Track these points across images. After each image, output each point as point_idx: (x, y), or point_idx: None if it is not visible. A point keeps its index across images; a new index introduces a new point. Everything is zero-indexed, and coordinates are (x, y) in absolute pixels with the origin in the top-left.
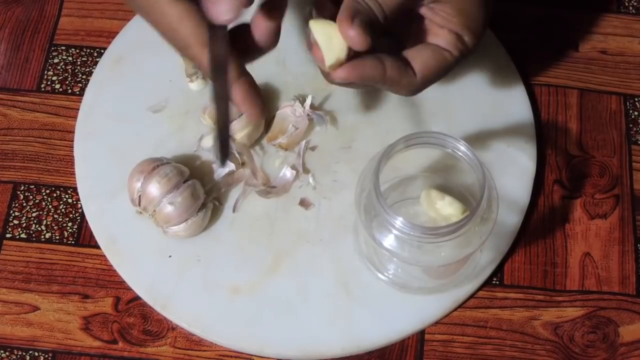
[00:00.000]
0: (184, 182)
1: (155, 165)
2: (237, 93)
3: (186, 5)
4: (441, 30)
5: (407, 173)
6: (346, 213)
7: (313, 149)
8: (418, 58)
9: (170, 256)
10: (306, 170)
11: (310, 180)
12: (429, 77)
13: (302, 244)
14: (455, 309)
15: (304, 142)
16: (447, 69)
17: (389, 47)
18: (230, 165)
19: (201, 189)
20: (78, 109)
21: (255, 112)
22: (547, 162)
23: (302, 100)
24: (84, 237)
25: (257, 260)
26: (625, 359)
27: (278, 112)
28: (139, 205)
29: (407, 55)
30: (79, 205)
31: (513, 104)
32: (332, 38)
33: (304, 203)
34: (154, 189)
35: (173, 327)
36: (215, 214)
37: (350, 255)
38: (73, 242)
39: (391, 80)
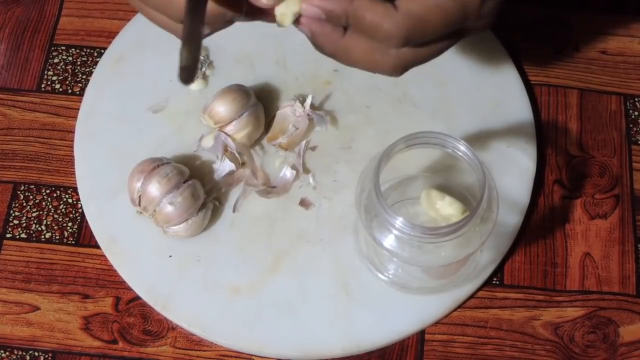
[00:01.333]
0: (184, 182)
1: (155, 165)
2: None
3: None
4: None
5: (407, 173)
6: (346, 213)
7: (313, 149)
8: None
9: (170, 256)
10: (306, 170)
11: (311, 180)
12: (414, 17)
13: (302, 244)
14: (455, 309)
15: (304, 142)
16: (440, 13)
17: None
18: (230, 165)
19: (201, 189)
20: (78, 109)
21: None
22: (547, 162)
23: (302, 100)
24: (84, 237)
25: (257, 260)
26: (626, 359)
27: (278, 112)
28: (139, 205)
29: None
30: (79, 205)
31: (513, 104)
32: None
33: (304, 203)
34: (154, 189)
35: (173, 327)
36: (215, 214)
37: (350, 255)
38: (73, 242)
39: (358, 12)
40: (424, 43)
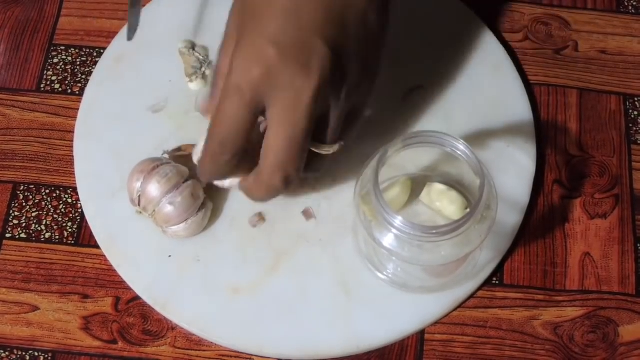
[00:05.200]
0: (184, 182)
1: (155, 165)
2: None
3: None
4: None
5: (406, 172)
6: (346, 213)
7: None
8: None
9: (170, 256)
10: None
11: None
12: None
13: (302, 244)
14: (455, 309)
15: None
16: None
17: None
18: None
19: (201, 189)
20: (78, 109)
21: None
22: (547, 161)
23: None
24: (83, 237)
25: (257, 260)
26: (625, 359)
27: None
28: (139, 205)
29: None
30: (79, 205)
31: (513, 104)
32: None
33: (306, 213)
34: (154, 189)
35: (173, 327)
36: (215, 214)
37: (350, 255)
38: (73, 242)
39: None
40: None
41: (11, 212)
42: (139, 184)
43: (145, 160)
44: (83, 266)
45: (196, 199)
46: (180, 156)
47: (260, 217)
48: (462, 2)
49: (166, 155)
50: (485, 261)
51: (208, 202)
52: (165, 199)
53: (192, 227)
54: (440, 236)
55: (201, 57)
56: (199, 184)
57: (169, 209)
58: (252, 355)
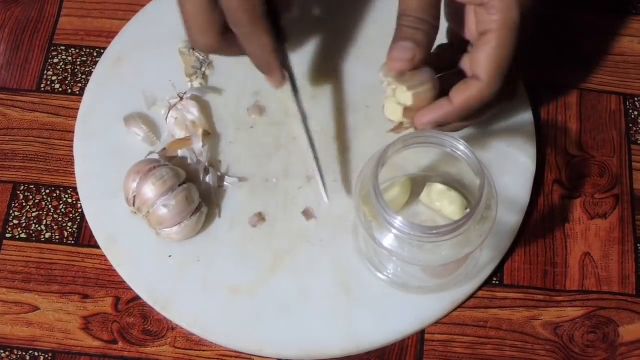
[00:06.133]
0: (180, 185)
1: (152, 166)
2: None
3: None
4: (472, 14)
5: (406, 173)
6: (346, 213)
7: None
8: (473, 62)
9: (170, 256)
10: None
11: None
12: (491, 70)
13: (302, 244)
14: (455, 309)
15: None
16: (501, 48)
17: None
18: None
19: (197, 193)
20: (78, 109)
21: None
22: (547, 162)
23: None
24: (83, 237)
25: (257, 260)
26: (625, 359)
27: None
28: (134, 205)
29: (471, 68)
30: (79, 205)
31: (513, 104)
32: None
33: (307, 213)
34: (149, 190)
35: (173, 327)
36: (214, 214)
37: (350, 255)
38: (73, 242)
39: (463, 104)
40: None
41: (11, 212)
42: (134, 185)
43: (142, 161)
44: (83, 266)
45: (191, 203)
46: (174, 157)
47: (260, 217)
48: None
49: (156, 156)
50: (485, 261)
51: (203, 206)
52: (160, 201)
53: (185, 230)
54: (440, 236)
55: (201, 57)
56: (195, 187)
57: (162, 211)
58: (252, 355)
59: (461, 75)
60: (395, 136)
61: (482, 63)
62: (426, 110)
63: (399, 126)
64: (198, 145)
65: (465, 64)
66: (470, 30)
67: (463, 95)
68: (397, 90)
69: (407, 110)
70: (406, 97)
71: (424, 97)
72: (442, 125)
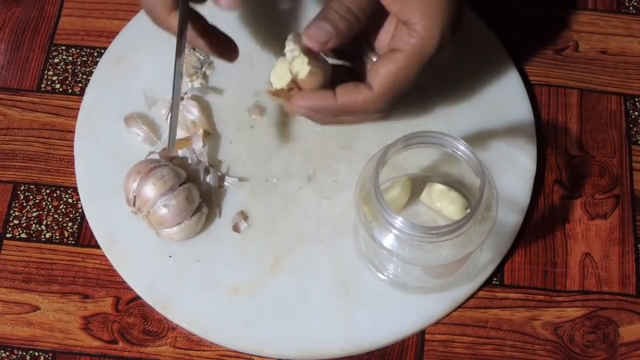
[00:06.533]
0: (180, 185)
1: (152, 166)
2: (206, 43)
3: None
4: (391, 25)
5: (407, 173)
6: (346, 213)
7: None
8: (372, 71)
9: (170, 256)
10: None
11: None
12: (386, 87)
13: (302, 244)
14: (455, 309)
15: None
16: (405, 70)
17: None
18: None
19: (197, 193)
20: (78, 109)
21: (228, 55)
22: (547, 162)
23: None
24: (84, 237)
25: (257, 260)
26: (626, 359)
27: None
28: (134, 205)
29: (367, 74)
30: (79, 205)
31: (513, 104)
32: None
33: (236, 228)
34: (149, 190)
35: (173, 327)
36: (215, 213)
37: (350, 255)
38: (73, 242)
39: (345, 104)
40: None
41: (11, 212)
42: (135, 185)
43: (143, 161)
44: (83, 266)
45: (191, 203)
46: (174, 157)
47: (243, 215)
48: None
49: (156, 156)
50: (485, 261)
51: (203, 206)
52: (160, 201)
53: (185, 230)
54: (441, 236)
55: (202, 57)
56: (195, 187)
57: (163, 211)
58: (252, 355)
59: (351, 74)
60: (394, 138)
61: (381, 77)
62: (308, 94)
63: (277, 92)
64: (199, 145)
65: (368, 68)
66: (382, 39)
67: (349, 97)
68: (297, 60)
69: (293, 83)
70: (303, 70)
71: (315, 80)
72: (312, 115)
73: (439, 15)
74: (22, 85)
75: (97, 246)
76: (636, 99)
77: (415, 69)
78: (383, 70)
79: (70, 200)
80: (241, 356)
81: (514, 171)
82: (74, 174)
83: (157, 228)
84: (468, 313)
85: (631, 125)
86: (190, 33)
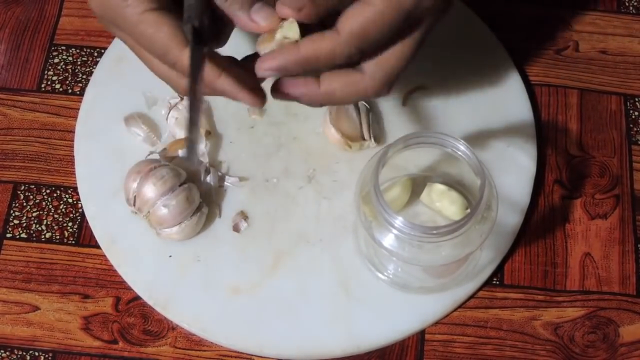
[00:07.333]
0: (180, 185)
1: (152, 166)
2: (227, 85)
3: (162, 13)
4: None
5: (407, 173)
6: (346, 213)
7: (313, 149)
8: (341, 17)
9: (170, 256)
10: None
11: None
12: (354, 30)
13: (302, 244)
14: (455, 309)
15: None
16: (379, 15)
17: None
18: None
19: (197, 193)
20: (78, 109)
21: (252, 99)
22: (547, 162)
23: None
24: (84, 237)
25: (257, 260)
26: (626, 359)
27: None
28: (134, 205)
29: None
30: (79, 205)
31: (513, 104)
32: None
33: (235, 228)
34: (149, 190)
35: (173, 327)
36: (215, 213)
37: (350, 255)
38: (73, 242)
39: (309, 54)
40: (380, 48)
41: (12, 212)
42: (135, 185)
43: (143, 161)
44: (83, 266)
45: (191, 203)
46: (174, 157)
47: (243, 214)
48: (463, 2)
49: (156, 156)
50: (485, 261)
51: (203, 206)
52: (160, 201)
53: (185, 230)
54: (441, 236)
55: None
56: (195, 187)
57: (163, 211)
58: (252, 355)
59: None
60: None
61: (350, 20)
62: (271, 54)
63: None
64: (201, 145)
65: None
66: None
67: (313, 44)
68: (285, 25)
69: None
70: (292, 30)
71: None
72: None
73: None
74: (22, 85)
75: (97, 246)
76: (636, 99)
77: (390, 16)
78: (352, 13)
79: (70, 200)
80: (241, 356)
81: (514, 171)
82: (74, 174)
83: (158, 228)
84: (468, 313)
85: (631, 125)
86: (209, 72)
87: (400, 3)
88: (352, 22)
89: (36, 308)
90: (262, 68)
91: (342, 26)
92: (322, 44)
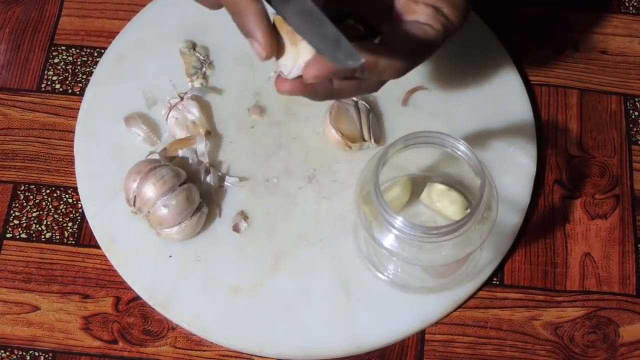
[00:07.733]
0: (180, 185)
1: (152, 166)
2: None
3: None
4: (417, 6)
5: (407, 173)
6: (346, 213)
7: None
8: (397, 37)
9: (170, 256)
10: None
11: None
12: (412, 54)
13: (302, 244)
14: (455, 309)
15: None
16: (430, 44)
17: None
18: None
19: (197, 193)
20: (78, 109)
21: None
22: (547, 162)
23: None
24: (84, 237)
25: (257, 260)
26: (626, 359)
27: None
28: (134, 205)
29: (385, 38)
30: (79, 205)
31: (513, 104)
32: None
33: (236, 228)
34: (149, 190)
35: (173, 327)
36: (215, 213)
37: (350, 255)
38: (73, 242)
39: (369, 64)
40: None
41: (12, 212)
42: (135, 185)
43: (143, 161)
44: (83, 266)
45: (191, 203)
46: (174, 157)
47: (243, 215)
48: None
49: (156, 156)
50: (485, 261)
51: (203, 206)
52: (160, 201)
53: (185, 230)
54: (441, 236)
55: (202, 57)
56: (195, 187)
57: (163, 211)
58: (252, 355)
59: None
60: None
61: (408, 43)
62: (319, 59)
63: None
64: (201, 145)
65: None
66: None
67: (372, 57)
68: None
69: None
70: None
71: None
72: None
73: (464, 6)
74: (22, 85)
75: (97, 246)
76: (636, 99)
77: (440, 45)
78: (411, 39)
79: (70, 200)
80: (241, 356)
81: (514, 171)
82: (74, 174)
83: (158, 228)
84: (468, 313)
85: (631, 125)
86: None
87: (451, 32)
88: (410, 48)
89: (36, 308)
90: (309, 72)
91: (399, 47)
92: (380, 60)
